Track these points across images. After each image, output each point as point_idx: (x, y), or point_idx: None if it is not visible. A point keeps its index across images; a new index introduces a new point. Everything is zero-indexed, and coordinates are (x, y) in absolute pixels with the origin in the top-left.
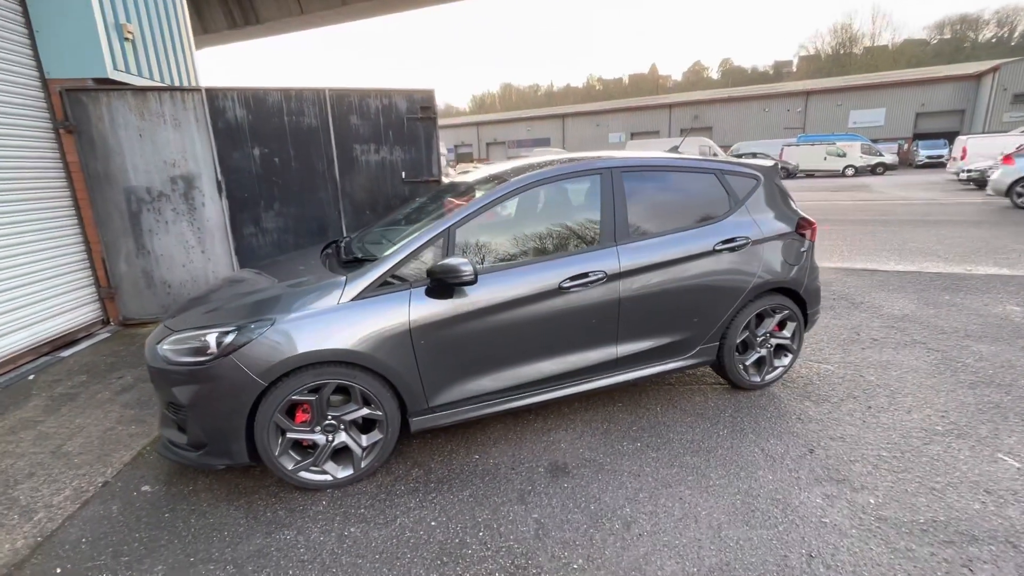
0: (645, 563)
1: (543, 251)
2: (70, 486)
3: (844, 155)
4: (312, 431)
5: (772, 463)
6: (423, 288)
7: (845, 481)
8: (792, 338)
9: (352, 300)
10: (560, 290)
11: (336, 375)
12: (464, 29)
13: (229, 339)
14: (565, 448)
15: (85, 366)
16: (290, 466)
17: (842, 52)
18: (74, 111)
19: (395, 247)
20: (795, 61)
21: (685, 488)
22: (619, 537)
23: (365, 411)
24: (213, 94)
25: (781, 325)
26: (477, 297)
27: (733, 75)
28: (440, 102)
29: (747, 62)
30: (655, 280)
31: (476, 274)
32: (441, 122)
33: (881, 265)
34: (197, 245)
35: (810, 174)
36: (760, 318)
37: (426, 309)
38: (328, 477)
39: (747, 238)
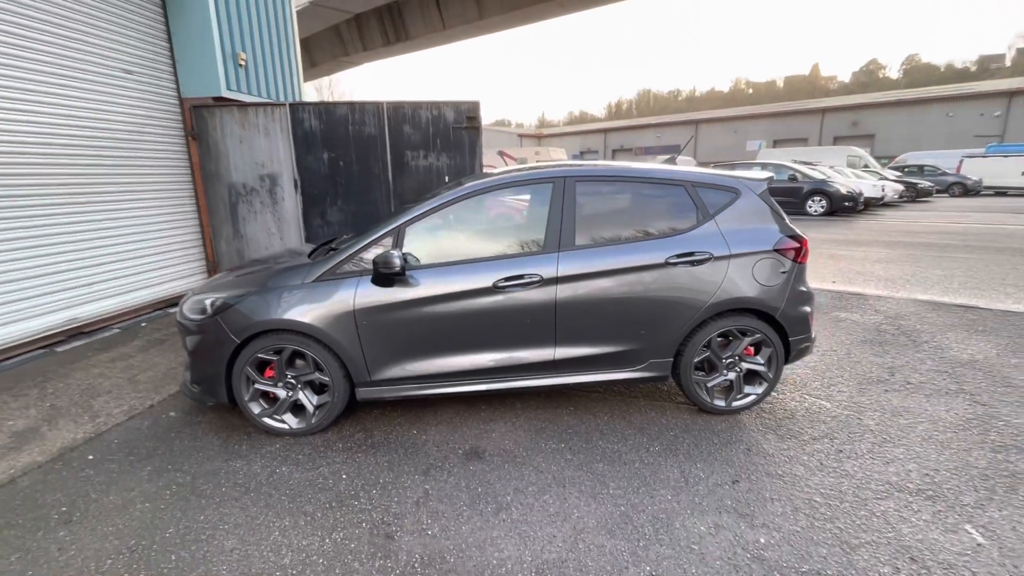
0: (489, 542)
1: (488, 252)
2: (128, 403)
3: None
4: (275, 385)
5: (682, 485)
6: (370, 276)
7: (747, 517)
8: (767, 365)
9: (313, 282)
10: (495, 288)
11: (293, 342)
12: (605, 32)
13: (218, 303)
14: (495, 438)
15: None
16: (256, 410)
17: None
18: (198, 123)
19: (355, 239)
20: (1010, 54)
21: (576, 490)
22: (484, 518)
23: (317, 375)
24: (295, 108)
25: (757, 350)
26: (415, 288)
27: (919, 73)
28: (575, 109)
29: (941, 58)
30: (595, 288)
31: (403, 267)
32: (568, 129)
33: (990, 303)
34: (277, 232)
35: (1001, 191)
36: (726, 338)
37: (369, 295)
38: (285, 426)
39: (708, 253)
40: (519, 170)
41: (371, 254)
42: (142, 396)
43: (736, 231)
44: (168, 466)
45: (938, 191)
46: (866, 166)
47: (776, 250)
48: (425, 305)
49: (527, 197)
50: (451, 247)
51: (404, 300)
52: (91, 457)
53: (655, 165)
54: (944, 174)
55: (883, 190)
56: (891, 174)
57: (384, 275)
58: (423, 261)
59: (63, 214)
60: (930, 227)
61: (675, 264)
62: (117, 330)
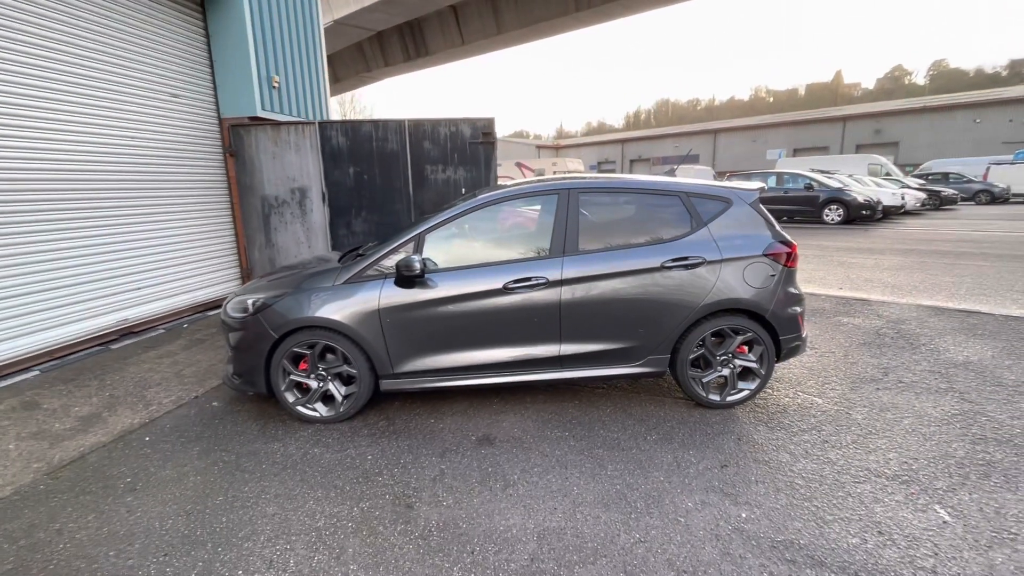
0: (497, 512)
1: (499, 257)
2: (176, 394)
3: None
4: (308, 377)
5: (675, 469)
6: (393, 279)
7: (732, 496)
8: (759, 362)
9: (343, 284)
10: (505, 290)
11: (324, 337)
12: (624, 38)
13: (259, 303)
14: (505, 427)
15: (217, 323)
16: (291, 399)
17: None
18: (235, 140)
19: (380, 246)
20: None
21: (577, 472)
22: (493, 492)
23: (345, 368)
24: (323, 126)
25: (750, 348)
26: (433, 289)
27: (946, 79)
28: (593, 119)
29: (970, 63)
30: (596, 289)
31: (423, 271)
32: (585, 140)
33: (993, 308)
34: (305, 241)
35: None
36: (720, 337)
37: (392, 295)
38: (316, 413)
39: (701, 258)
40: (528, 183)
41: (394, 259)
42: (187, 388)
43: (728, 237)
44: (214, 447)
45: (964, 199)
46: (888, 174)
47: (766, 255)
48: (442, 305)
49: (536, 207)
50: (466, 253)
51: (424, 300)
52: (147, 438)
53: (653, 177)
54: (970, 182)
55: (903, 198)
56: (914, 182)
57: (406, 277)
58: (441, 265)
59: (116, 225)
60: (948, 235)
61: (671, 268)
62: (162, 330)
